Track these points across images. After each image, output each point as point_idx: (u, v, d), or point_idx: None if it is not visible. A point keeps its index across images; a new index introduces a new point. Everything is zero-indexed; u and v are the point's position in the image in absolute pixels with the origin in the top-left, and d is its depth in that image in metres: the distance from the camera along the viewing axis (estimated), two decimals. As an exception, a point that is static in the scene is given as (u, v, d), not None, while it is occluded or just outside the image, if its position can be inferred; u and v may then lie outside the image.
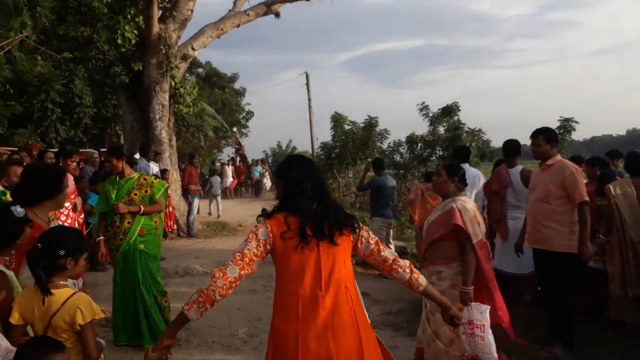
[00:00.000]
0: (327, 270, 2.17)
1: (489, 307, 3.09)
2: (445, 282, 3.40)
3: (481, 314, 3.06)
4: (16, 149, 9.94)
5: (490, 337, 3.01)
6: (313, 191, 2.27)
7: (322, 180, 2.37)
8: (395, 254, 2.40)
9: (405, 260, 2.38)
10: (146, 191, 4.47)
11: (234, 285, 2.14)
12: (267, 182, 24.69)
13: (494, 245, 5.43)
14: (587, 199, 4.02)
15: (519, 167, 5.20)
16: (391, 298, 6.26)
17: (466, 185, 3.67)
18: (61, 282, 2.26)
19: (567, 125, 20.10)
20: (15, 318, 2.19)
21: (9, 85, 13.24)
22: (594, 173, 5.33)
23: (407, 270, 2.33)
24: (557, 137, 4.38)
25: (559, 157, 4.26)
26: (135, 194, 4.44)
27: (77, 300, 2.22)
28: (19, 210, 2.43)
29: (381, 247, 2.34)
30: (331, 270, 2.17)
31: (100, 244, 4.39)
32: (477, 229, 3.37)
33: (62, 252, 2.24)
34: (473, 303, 3.15)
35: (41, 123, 14.89)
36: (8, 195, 3.81)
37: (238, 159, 26.18)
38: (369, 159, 23.96)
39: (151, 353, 2.02)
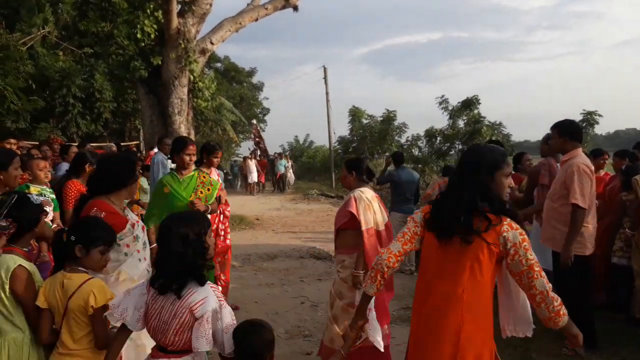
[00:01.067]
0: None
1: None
2: (347, 271, 3.57)
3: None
4: (37, 143, 10.09)
5: (375, 322, 3.27)
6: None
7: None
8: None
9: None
10: (208, 189, 4.15)
11: (399, 258, 2.21)
12: (292, 177, 23.65)
13: None
14: (578, 202, 3.77)
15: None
16: (409, 293, 6.21)
17: (370, 177, 3.93)
18: (79, 268, 2.33)
19: (590, 118, 19.75)
20: (41, 301, 2.29)
21: (32, 81, 13.47)
22: (622, 165, 5.16)
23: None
24: (575, 131, 4.06)
25: (577, 152, 3.99)
26: (201, 192, 4.11)
27: (91, 285, 2.28)
28: (35, 197, 2.47)
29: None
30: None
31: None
32: (370, 217, 3.54)
33: (72, 238, 2.30)
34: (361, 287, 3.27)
35: (63, 117, 15.15)
36: (32, 189, 3.85)
37: (258, 152, 24.60)
38: (387, 153, 23.86)
39: (350, 332, 2.25)
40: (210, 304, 1.94)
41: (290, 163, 24.04)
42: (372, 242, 3.52)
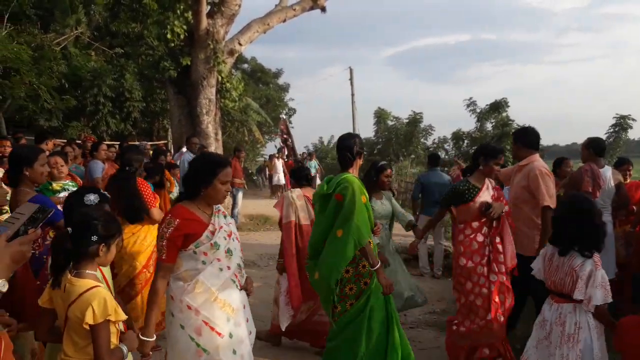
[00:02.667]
0: None
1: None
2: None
3: (285, 283, 4.27)
4: (76, 140, 10.34)
5: (283, 306, 4.23)
6: None
7: None
8: None
9: None
10: None
11: None
12: (317, 181, 21.27)
13: None
14: (548, 203, 3.88)
15: (609, 168, 4.91)
16: (434, 297, 6.13)
17: (308, 182, 4.63)
18: (88, 271, 2.10)
19: (623, 122, 19.23)
20: (44, 299, 2.15)
21: (64, 80, 13.79)
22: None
23: None
24: (529, 139, 4.25)
25: (534, 157, 4.15)
26: None
27: (93, 296, 2.02)
28: (91, 198, 2.47)
29: None
30: None
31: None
32: (290, 212, 4.28)
33: (94, 238, 2.09)
34: (283, 273, 4.29)
35: (93, 116, 15.47)
36: (54, 185, 3.89)
37: (285, 151, 21.88)
38: (412, 156, 23.59)
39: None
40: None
41: (320, 166, 21.59)
42: (288, 234, 4.25)
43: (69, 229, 2.12)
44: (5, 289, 1.56)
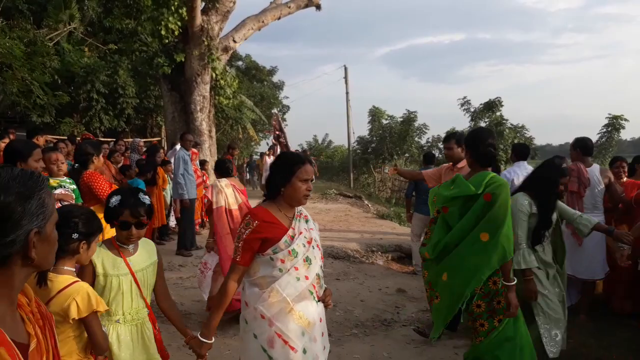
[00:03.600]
0: None
1: (217, 255, 4.80)
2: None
3: (212, 260, 4.86)
4: (64, 137, 10.27)
5: (208, 279, 4.80)
6: None
7: None
8: None
9: None
10: None
11: None
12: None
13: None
14: None
15: (597, 166, 4.93)
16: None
17: (229, 174, 5.13)
18: (65, 267, 2.12)
19: (615, 123, 19.44)
20: None
21: (57, 76, 13.69)
22: (645, 173, 5.04)
23: None
24: (468, 141, 4.28)
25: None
26: None
27: (74, 291, 2.05)
28: (144, 197, 2.42)
29: None
30: None
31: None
32: (220, 199, 4.86)
33: (75, 236, 2.10)
34: (212, 251, 4.87)
35: (86, 113, 15.38)
36: (51, 181, 3.86)
37: (278, 148, 22.79)
38: (406, 154, 23.64)
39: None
40: None
41: (315, 165, 21.57)
42: (220, 218, 4.83)
43: None
44: None
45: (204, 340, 2.44)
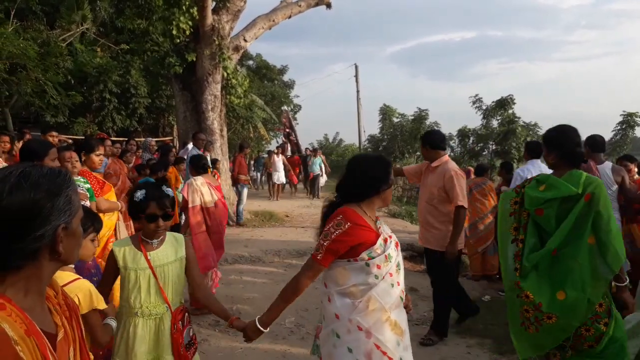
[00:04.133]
0: None
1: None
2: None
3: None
4: (80, 137, 10.37)
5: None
6: None
7: None
8: None
9: None
10: None
11: None
12: (323, 179, 17.89)
13: None
14: (462, 203, 4.18)
15: (609, 164, 4.89)
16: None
17: (204, 170, 5.31)
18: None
19: (630, 120, 19.17)
20: None
21: (70, 76, 13.82)
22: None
23: None
24: (434, 140, 4.51)
25: (444, 158, 4.42)
26: None
27: (76, 287, 2.09)
28: (168, 189, 2.48)
29: None
30: None
31: None
32: (196, 197, 5.04)
33: None
34: None
35: (99, 112, 15.52)
36: None
37: (289, 146, 20.29)
38: (418, 153, 23.50)
39: None
40: None
41: (325, 163, 18.94)
42: (195, 216, 5.03)
43: None
44: None
45: (261, 328, 2.39)
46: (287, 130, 21.17)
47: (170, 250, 2.49)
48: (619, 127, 19.56)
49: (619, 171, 4.81)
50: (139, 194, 2.41)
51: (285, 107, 22.29)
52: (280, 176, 15.98)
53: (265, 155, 19.43)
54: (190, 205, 5.03)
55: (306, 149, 21.62)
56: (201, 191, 5.09)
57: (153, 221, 2.39)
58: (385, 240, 2.29)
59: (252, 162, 21.58)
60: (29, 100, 12.53)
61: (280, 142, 21.03)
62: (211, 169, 9.06)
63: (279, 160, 16.14)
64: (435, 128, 23.20)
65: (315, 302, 5.60)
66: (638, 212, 5.11)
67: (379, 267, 2.23)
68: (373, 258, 2.22)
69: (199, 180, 5.16)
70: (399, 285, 2.31)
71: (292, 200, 15.93)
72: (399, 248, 2.39)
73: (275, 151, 16.70)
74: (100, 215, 3.93)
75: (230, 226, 10.36)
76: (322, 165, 17.24)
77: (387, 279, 2.25)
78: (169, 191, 2.47)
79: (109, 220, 4.20)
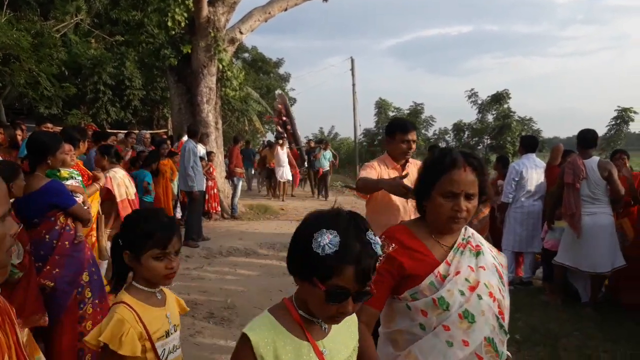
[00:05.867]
0: None
1: None
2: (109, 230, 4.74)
3: None
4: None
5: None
6: None
7: None
8: None
9: None
10: None
11: None
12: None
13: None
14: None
15: (595, 159, 4.91)
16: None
17: (118, 161, 5.26)
18: (135, 284, 1.80)
19: (624, 115, 19.26)
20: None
21: (64, 67, 13.73)
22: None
23: None
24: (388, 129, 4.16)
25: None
26: None
27: (110, 313, 1.74)
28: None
29: None
30: None
31: None
32: (122, 191, 4.96)
33: (119, 242, 1.82)
34: None
35: (93, 104, 15.45)
36: (62, 172, 3.88)
37: (283, 136, 16.15)
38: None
39: None
40: None
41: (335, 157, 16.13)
42: (125, 209, 4.88)
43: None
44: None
45: None
46: (284, 118, 17.31)
47: (346, 336, 1.39)
48: (613, 122, 19.67)
49: (606, 165, 4.82)
50: (327, 241, 1.17)
51: (279, 91, 19.17)
52: (285, 172, 13.80)
53: (261, 146, 18.17)
54: (118, 199, 4.98)
55: (309, 140, 18.99)
56: (125, 184, 5.08)
57: (341, 300, 1.19)
58: (444, 278, 1.60)
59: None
60: (23, 91, 12.45)
61: (276, 132, 17.87)
62: (206, 162, 9.09)
63: (283, 153, 13.80)
64: (432, 122, 23.29)
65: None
66: (628, 206, 5.16)
67: (424, 313, 1.58)
68: (416, 299, 1.60)
69: (120, 173, 5.11)
70: (466, 345, 1.55)
71: (301, 202, 13.93)
72: (480, 291, 1.59)
73: (280, 142, 14.24)
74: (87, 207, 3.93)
75: (225, 219, 10.38)
76: (332, 160, 15.03)
77: (441, 334, 1.56)
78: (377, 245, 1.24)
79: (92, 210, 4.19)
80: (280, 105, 17.59)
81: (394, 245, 1.55)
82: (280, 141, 14.25)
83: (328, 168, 14.54)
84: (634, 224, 5.15)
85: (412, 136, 3.41)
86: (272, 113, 27.83)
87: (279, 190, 14.12)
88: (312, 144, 16.02)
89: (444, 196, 1.61)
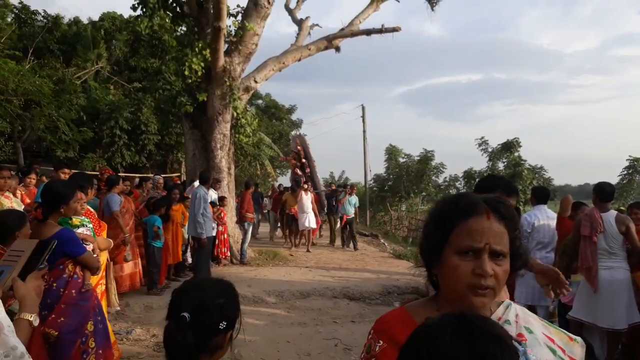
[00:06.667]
0: None
1: None
2: None
3: None
4: (95, 173, 10.50)
5: None
6: None
7: None
8: None
9: None
10: None
11: None
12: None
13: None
14: None
15: (613, 212, 4.89)
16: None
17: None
18: None
19: (636, 165, 19.16)
20: None
21: (83, 112, 14.12)
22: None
23: None
24: None
25: None
26: None
27: None
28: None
29: None
30: None
31: None
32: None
33: (222, 325, 1.50)
34: None
35: (109, 148, 15.75)
36: (74, 220, 3.88)
37: (303, 179, 14.72)
38: (424, 193, 23.54)
39: None
40: None
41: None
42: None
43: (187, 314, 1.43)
44: (37, 323, 1.62)
45: None
46: (303, 160, 15.76)
47: None
48: (625, 172, 19.56)
49: (624, 220, 4.78)
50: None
51: (296, 132, 17.80)
52: (310, 219, 12.46)
53: (267, 192, 17.36)
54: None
55: (330, 184, 17.63)
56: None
57: None
58: None
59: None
60: (41, 135, 12.78)
61: (292, 175, 16.49)
62: (217, 207, 9.15)
63: (307, 199, 12.56)
64: (442, 169, 23.30)
65: (318, 346, 5.52)
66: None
67: None
68: None
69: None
70: None
71: (328, 252, 12.57)
72: None
73: (305, 187, 12.95)
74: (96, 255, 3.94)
75: (234, 264, 10.32)
76: (357, 205, 13.65)
77: None
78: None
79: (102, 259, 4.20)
80: (299, 147, 16.16)
81: (381, 342, 1.16)
82: (306, 186, 13.05)
83: (353, 215, 13.23)
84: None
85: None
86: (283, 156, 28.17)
87: (304, 238, 12.94)
88: (334, 187, 14.69)
89: (461, 253, 1.12)
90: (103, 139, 15.49)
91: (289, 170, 31.17)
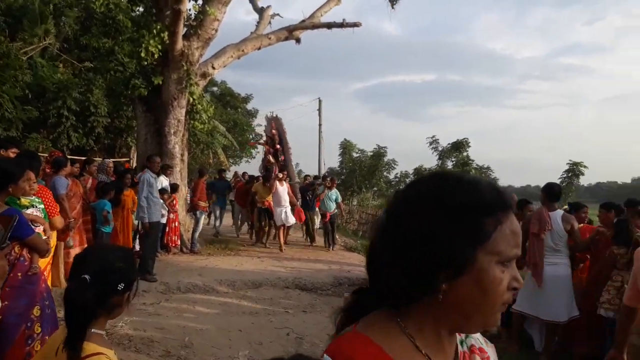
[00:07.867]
0: None
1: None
2: None
3: None
4: (43, 154, 10.04)
5: None
6: None
7: None
8: None
9: None
10: None
11: None
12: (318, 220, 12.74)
13: None
14: None
15: (560, 211, 5.19)
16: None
17: None
18: (95, 331, 1.60)
19: (575, 169, 20.18)
20: None
21: (28, 90, 13.44)
22: (610, 218, 5.26)
23: None
24: None
25: None
26: None
27: None
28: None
29: None
30: None
31: None
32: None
33: (121, 286, 1.63)
34: None
35: (55, 129, 15.07)
36: (22, 200, 3.75)
37: (277, 170, 12.72)
38: (375, 188, 23.87)
39: None
40: None
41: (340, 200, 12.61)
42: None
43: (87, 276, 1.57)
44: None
45: None
46: (278, 146, 13.59)
47: None
48: (565, 175, 20.56)
49: (569, 219, 5.08)
50: None
51: (271, 113, 14.91)
52: (288, 214, 10.97)
53: (232, 176, 15.76)
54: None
55: (306, 175, 15.89)
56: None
57: None
58: None
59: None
60: (-19, 111, 12.09)
61: (263, 162, 14.10)
62: (169, 194, 8.96)
63: (284, 191, 11.09)
64: (394, 165, 23.73)
65: (269, 335, 5.54)
66: (580, 261, 5.45)
67: None
68: None
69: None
70: None
71: (305, 252, 11.15)
72: None
73: (280, 176, 11.56)
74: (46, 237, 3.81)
75: (184, 253, 10.15)
76: (340, 200, 12.28)
77: None
78: None
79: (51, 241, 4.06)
80: (274, 131, 13.73)
81: None
82: (281, 175, 11.70)
83: (336, 211, 12.00)
84: (585, 276, 5.39)
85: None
86: (237, 147, 27.87)
87: (278, 237, 11.25)
88: (311, 179, 13.32)
89: (504, 263, 0.86)
90: (49, 119, 14.78)
91: (242, 160, 30.73)
